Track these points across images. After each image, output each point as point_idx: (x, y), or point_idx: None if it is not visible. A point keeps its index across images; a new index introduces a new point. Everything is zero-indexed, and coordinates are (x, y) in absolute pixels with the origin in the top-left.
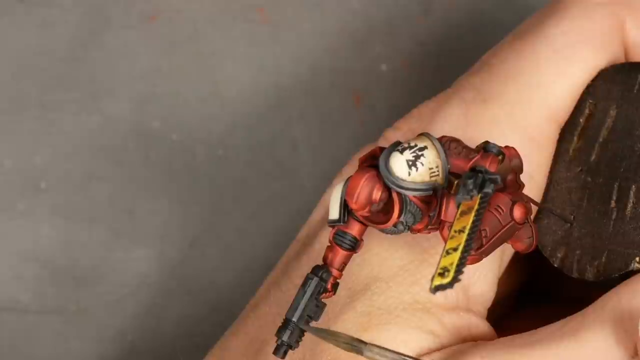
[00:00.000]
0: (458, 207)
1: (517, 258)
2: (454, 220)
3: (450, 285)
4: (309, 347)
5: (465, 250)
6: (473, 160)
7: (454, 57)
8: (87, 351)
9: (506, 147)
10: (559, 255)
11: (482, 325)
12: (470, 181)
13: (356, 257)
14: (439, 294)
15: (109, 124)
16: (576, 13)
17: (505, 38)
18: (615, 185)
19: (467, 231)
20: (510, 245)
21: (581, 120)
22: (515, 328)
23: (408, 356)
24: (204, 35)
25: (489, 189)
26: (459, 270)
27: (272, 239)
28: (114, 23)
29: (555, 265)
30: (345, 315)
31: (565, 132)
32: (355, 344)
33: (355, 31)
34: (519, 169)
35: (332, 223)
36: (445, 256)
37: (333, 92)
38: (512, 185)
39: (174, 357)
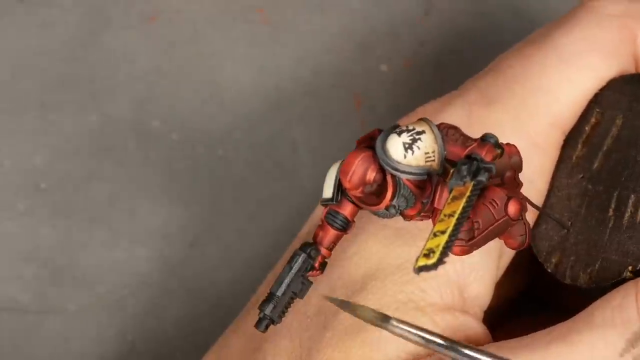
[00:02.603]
0: (450, 192)
1: (517, 263)
2: (445, 204)
3: (434, 267)
4: (305, 346)
5: (453, 234)
6: (469, 148)
7: (454, 57)
8: (87, 351)
9: (507, 144)
10: (553, 260)
11: (476, 327)
12: (464, 167)
13: (354, 256)
14: (434, 293)
15: (109, 124)
16: (587, 23)
17: (514, 45)
18: (614, 194)
19: (456, 215)
20: (508, 249)
21: (587, 128)
22: (512, 335)
23: (429, 332)
24: (204, 36)
25: (482, 177)
26: (444, 253)
27: (272, 239)
28: (114, 23)
29: (549, 271)
30: (341, 315)
31: (570, 139)
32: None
33: (356, 32)
34: (518, 167)
35: (325, 202)
36: (432, 238)
37: (333, 93)
38: (510, 182)
39: (174, 357)
